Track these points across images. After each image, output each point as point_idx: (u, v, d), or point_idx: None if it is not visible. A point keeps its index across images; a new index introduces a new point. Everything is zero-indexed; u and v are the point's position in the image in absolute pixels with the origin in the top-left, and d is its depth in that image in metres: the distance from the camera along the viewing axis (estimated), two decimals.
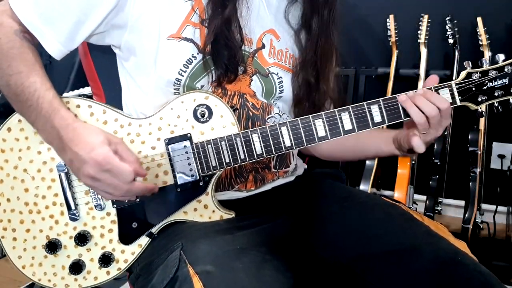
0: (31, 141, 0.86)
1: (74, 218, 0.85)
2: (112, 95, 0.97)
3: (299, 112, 0.99)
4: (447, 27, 2.12)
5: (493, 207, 2.08)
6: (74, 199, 0.85)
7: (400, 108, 0.85)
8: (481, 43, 2.02)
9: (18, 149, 0.85)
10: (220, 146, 0.84)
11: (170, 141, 0.85)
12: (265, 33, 0.95)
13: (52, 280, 0.86)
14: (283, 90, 0.97)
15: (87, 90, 1.86)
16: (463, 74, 0.87)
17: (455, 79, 0.87)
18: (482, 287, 0.77)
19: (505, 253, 1.91)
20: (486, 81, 0.86)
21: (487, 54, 1.99)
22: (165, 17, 0.85)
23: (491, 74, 0.86)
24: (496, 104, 0.88)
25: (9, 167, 0.85)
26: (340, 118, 0.85)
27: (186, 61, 0.87)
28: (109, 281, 2.06)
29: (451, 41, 2.10)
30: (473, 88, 0.86)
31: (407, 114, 0.85)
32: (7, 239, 0.86)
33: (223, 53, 0.87)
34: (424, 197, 2.11)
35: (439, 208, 2.12)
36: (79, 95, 0.86)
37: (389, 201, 0.96)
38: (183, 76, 0.87)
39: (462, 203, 2.07)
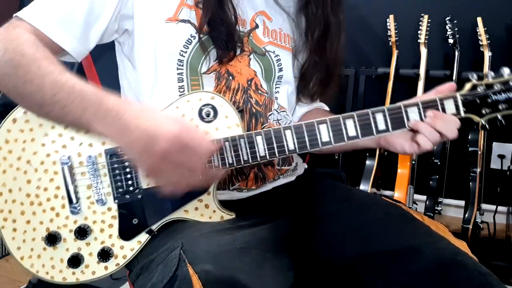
0: (35, 133, 0.85)
1: (75, 211, 0.85)
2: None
3: (307, 93, 1.03)
4: (447, 27, 2.12)
5: (493, 207, 2.08)
6: (76, 192, 0.85)
7: (405, 117, 0.85)
8: (481, 43, 2.02)
9: (23, 140, 0.85)
10: (224, 147, 0.84)
11: None
12: (257, 14, 0.98)
13: (50, 273, 0.86)
14: (282, 68, 1.00)
15: None
16: (468, 85, 0.86)
17: (460, 91, 0.86)
18: (482, 287, 0.76)
19: (505, 253, 1.91)
20: (491, 94, 0.85)
21: (487, 54, 2.00)
22: (162, 1, 0.88)
23: (496, 87, 0.85)
24: (499, 118, 0.87)
25: (12, 158, 0.85)
26: (345, 124, 0.85)
27: (186, 42, 0.89)
28: (109, 281, 2.06)
29: (451, 41, 2.10)
30: (478, 101, 0.85)
31: (410, 123, 0.85)
32: (7, 230, 0.85)
33: (221, 30, 0.89)
34: (424, 197, 2.11)
35: (439, 208, 2.12)
36: None
37: (389, 201, 0.96)
38: (184, 56, 0.89)
39: (462, 203, 2.07)
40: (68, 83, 0.76)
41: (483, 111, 0.86)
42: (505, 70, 0.85)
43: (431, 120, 0.83)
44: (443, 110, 0.84)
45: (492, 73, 0.85)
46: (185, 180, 0.75)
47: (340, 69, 1.07)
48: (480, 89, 0.85)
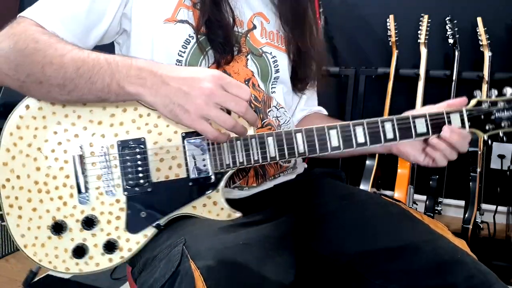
0: (48, 120, 0.84)
1: (83, 201, 0.85)
2: None
3: (299, 83, 1.04)
4: (447, 27, 2.12)
5: (493, 207, 2.09)
6: (85, 182, 0.85)
7: (412, 127, 0.87)
8: (481, 43, 2.02)
9: (34, 127, 0.85)
10: (235, 145, 0.85)
11: (187, 135, 0.85)
12: (255, 15, 0.99)
13: (53, 262, 0.85)
14: (278, 69, 1.01)
15: None
16: (473, 101, 0.90)
17: (466, 106, 0.89)
18: (481, 285, 0.77)
19: (505, 253, 1.91)
20: (494, 111, 0.89)
21: (487, 54, 2.00)
22: (159, 2, 0.89)
23: (499, 105, 0.89)
24: (501, 135, 0.91)
25: (23, 144, 0.84)
26: (354, 131, 0.86)
27: (184, 42, 0.90)
28: (109, 281, 2.05)
29: (451, 41, 2.10)
30: (482, 117, 0.89)
31: (418, 135, 0.87)
32: (12, 216, 0.84)
33: (218, 33, 0.90)
34: (424, 197, 2.11)
35: (439, 208, 2.12)
36: None
37: (389, 200, 0.97)
38: (182, 57, 0.90)
39: (462, 203, 2.07)
40: (91, 55, 0.77)
41: (487, 127, 0.89)
42: (508, 90, 0.90)
43: (449, 135, 0.85)
44: (449, 123, 0.87)
45: (496, 92, 0.90)
46: (230, 122, 0.74)
47: (324, 58, 1.08)
48: (484, 106, 0.89)
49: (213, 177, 0.85)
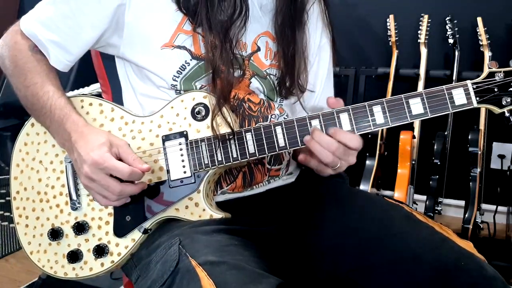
0: (48, 135, 0.92)
1: (75, 207, 0.89)
2: (118, 93, 1.00)
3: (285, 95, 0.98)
4: (447, 27, 2.12)
5: (493, 207, 2.08)
6: (77, 189, 0.89)
7: (406, 109, 0.81)
8: (481, 43, 2.02)
9: (37, 142, 0.93)
10: (213, 144, 0.84)
11: (167, 138, 0.87)
12: (260, 35, 0.94)
13: (54, 268, 0.90)
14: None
15: (86, 90, 1.88)
16: (483, 74, 0.80)
17: (472, 80, 0.80)
18: None
19: (505, 253, 1.91)
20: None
21: (487, 54, 2.00)
22: (158, 28, 0.87)
23: None
24: None
25: (28, 159, 0.93)
26: (338, 118, 0.82)
27: (179, 68, 0.88)
28: (109, 281, 2.05)
29: (451, 41, 2.10)
30: (496, 89, 0.79)
31: (413, 116, 0.81)
32: (21, 225, 0.92)
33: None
34: (424, 197, 2.11)
35: (439, 208, 2.12)
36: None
37: (392, 202, 0.94)
38: (176, 81, 0.88)
39: (462, 203, 2.07)
40: (44, 97, 0.87)
41: (503, 102, 0.79)
42: None
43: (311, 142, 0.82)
44: (451, 99, 0.80)
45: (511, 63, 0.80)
46: (110, 197, 0.82)
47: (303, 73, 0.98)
48: (498, 77, 0.79)
49: (192, 178, 0.85)
